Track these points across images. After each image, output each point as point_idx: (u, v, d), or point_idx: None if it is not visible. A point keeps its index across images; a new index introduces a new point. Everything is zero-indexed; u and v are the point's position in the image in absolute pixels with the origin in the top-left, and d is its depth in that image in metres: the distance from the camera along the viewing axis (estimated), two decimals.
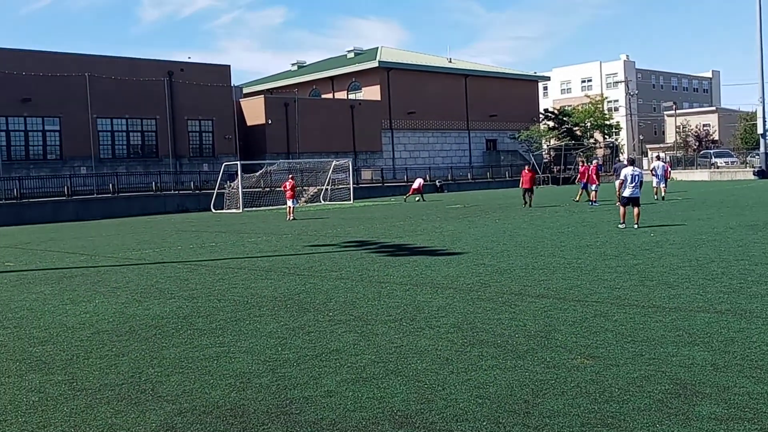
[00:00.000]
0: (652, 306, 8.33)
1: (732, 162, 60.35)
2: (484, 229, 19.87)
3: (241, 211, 37.03)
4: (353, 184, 46.00)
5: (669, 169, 49.96)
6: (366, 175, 55.66)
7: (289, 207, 29.05)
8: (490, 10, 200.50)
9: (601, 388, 5.37)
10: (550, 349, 6.61)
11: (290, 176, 32.10)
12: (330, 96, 64.04)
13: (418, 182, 42.14)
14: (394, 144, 62.38)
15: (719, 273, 10.40)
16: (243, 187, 38.30)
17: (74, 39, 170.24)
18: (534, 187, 29.62)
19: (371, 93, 61.80)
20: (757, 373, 5.59)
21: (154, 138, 47.51)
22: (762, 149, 53.65)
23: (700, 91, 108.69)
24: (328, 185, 45.64)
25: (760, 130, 54.60)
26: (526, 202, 28.95)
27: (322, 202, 44.34)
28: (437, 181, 56.18)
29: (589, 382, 5.55)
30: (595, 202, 28.66)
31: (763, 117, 53.63)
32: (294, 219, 27.89)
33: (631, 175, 17.50)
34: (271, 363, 6.58)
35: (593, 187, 29.09)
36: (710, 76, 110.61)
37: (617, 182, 18.83)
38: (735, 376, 5.54)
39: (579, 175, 30.87)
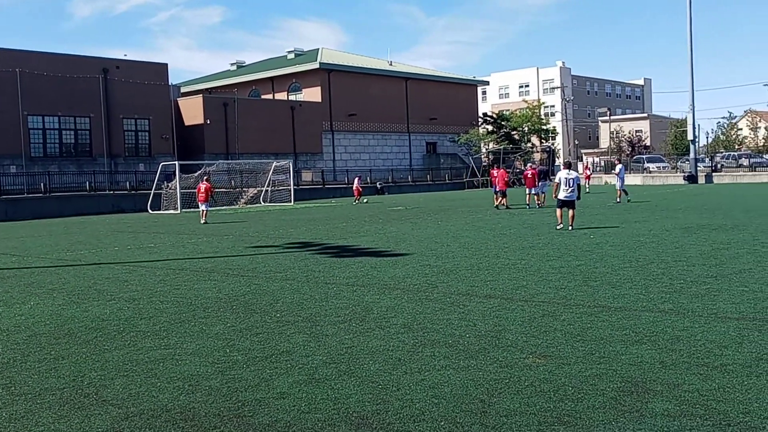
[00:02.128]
0: (597, 306, 8.45)
1: (663, 167, 62.16)
2: (426, 230, 19.94)
3: (179, 211, 36.31)
4: (294, 185, 45.65)
5: (590, 173, 51.30)
6: (306, 176, 55.37)
7: (202, 210, 27.47)
8: (430, 14, 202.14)
9: (555, 387, 5.40)
10: (502, 348, 6.63)
11: (204, 178, 30.56)
12: (270, 97, 63.44)
13: (356, 182, 42.33)
14: (334, 146, 62.20)
15: (659, 274, 10.65)
16: (181, 188, 37.56)
17: (5, 34, 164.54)
18: (507, 188, 29.53)
19: (312, 94, 61.49)
20: (704, 370, 5.71)
21: (88, 136, 46.17)
22: (692, 155, 55.44)
23: (632, 98, 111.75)
24: (268, 186, 45.19)
25: (690, 137, 56.40)
26: (500, 203, 28.92)
27: (262, 203, 43.88)
28: (378, 183, 56.26)
29: (543, 380, 5.57)
30: (534, 205, 29.02)
31: (693, 124, 55.43)
32: (206, 223, 26.41)
33: (565, 178, 17.83)
34: (220, 365, 6.41)
35: (533, 190, 29.39)
36: (642, 83, 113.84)
37: (552, 185, 19.12)
38: (683, 373, 5.64)
39: (524, 180, 30.91)
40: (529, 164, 33.40)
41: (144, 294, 10.59)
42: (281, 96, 63.05)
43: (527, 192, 29.51)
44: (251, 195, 45.62)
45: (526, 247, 14.82)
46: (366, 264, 13.00)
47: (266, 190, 45.03)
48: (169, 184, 39.00)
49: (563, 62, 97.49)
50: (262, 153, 52.85)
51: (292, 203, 42.73)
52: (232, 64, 77.54)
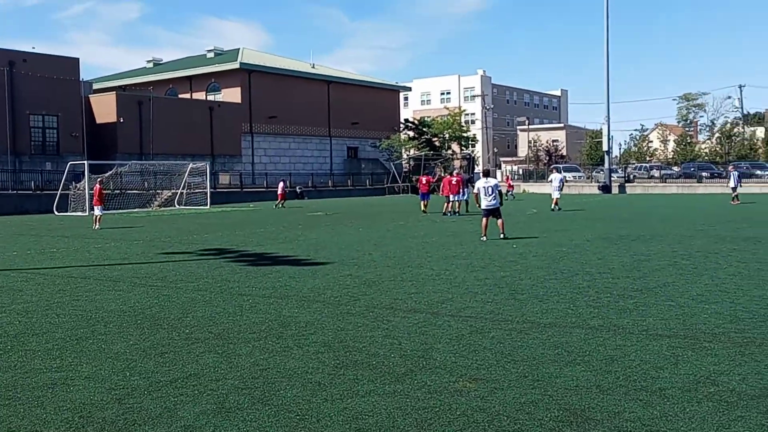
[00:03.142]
0: (526, 322, 8.11)
1: (579, 177, 63.60)
2: (347, 238, 19.43)
3: (87, 214, 34.60)
4: (210, 188, 44.38)
5: (511, 182, 52.07)
6: (224, 179, 54.02)
7: (96, 216, 25.49)
8: (353, 18, 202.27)
9: (489, 417, 4.96)
10: (430, 370, 6.17)
11: (98, 180, 28.39)
12: (188, 96, 61.70)
13: (281, 187, 41.58)
14: (254, 148, 61.02)
15: (585, 286, 10.45)
16: (90, 189, 35.81)
17: None
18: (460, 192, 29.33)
19: (231, 95, 60.13)
20: (643, 395, 5.39)
21: None
22: (606, 165, 56.86)
23: (550, 108, 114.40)
24: (183, 189, 43.76)
25: (605, 148, 57.87)
26: (452, 210, 28.80)
27: (177, 206, 42.42)
28: (298, 188, 55.39)
29: (476, 409, 5.13)
30: (457, 212, 28.96)
31: (608, 135, 56.94)
32: (101, 228, 24.53)
33: (484, 187, 17.49)
34: (118, 392, 5.71)
35: (456, 197, 29.35)
36: (559, 94, 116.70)
37: (473, 194, 18.83)
38: (622, 399, 5.30)
39: (441, 188, 30.90)
40: (455, 172, 33.42)
41: (39, 306, 9.68)
42: (200, 96, 61.43)
43: (452, 199, 29.43)
44: (165, 197, 44.08)
45: (450, 256, 14.49)
46: (284, 273, 12.38)
47: (181, 193, 43.59)
48: (78, 185, 37.21)
49: (484, 71, 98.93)
50: (179, 154, 51.23)
51: (208, 207, 41.49)
52: (148, 62, 75.24)
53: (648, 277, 11.25)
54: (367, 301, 9.58)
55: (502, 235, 17.39)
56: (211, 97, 60.96)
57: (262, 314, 8.81)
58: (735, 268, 11.96)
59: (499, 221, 17.54)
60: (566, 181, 60.95)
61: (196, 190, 44.44)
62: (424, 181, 31.92)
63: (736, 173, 37.06)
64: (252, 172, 59.48)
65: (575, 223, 23.19)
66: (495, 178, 17.78)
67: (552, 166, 70.38)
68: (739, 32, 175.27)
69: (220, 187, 51.41)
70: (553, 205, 31.08)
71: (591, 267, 12.48)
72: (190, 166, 44.10)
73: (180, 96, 61.76)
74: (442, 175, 69.68)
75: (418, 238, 18.65)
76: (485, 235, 17.55)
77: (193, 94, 61.94)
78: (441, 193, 29.92)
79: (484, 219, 17.66)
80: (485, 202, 17.47)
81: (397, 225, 23.94)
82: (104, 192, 26.70)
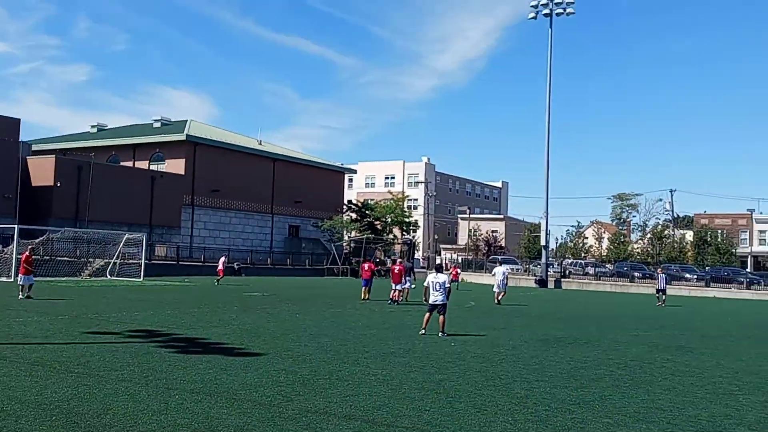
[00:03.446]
0: None
1: (516, 269, 64.42)
2: (284, 324, 18.97)
3: (11, 280, 33.17)
4: (146, 259, 43.28)
5: (459, 271, 52.38)
6: (160, 251, 52.85)
7: (20, 285, 24.51)
8: (303, 97, 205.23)
9: None
10: None
11: (29, 247, 27.30)
12: (130, 164, 60.87)
13: (222, 262, 40.90)
14: (194, 221, 60.18)
15: (523, 396, 10.28)
16: (18, 254, 34.47)
17: None
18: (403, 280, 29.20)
19: (175, 166, 59.59)
20: None
21: None
22: (543, 260, 57.84)
23: (490, 199, 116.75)
24: (117, 259, 42.54)
25: (542, 243, 59.00)
26: (396, 300, 28.55)
27: (109, 276, 41.12)
28: (236, 264, 54.53)
29: None
30: (397, 301, 28.57)
31: (546, 231, 58.17)
32: (29, 298, 23.63)
33: (433, 282, 17.32)
34: None
35: (398, 286, 29.04)
36: (500, 186, 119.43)
37: (424, 286, 18.59)
38: None
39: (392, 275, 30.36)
40: (398, 260, 33.12)
41: None
42: (143, 164, 60.68)
43: (393, 288, 29.13)
44: (97, 267, 42.72)
45: (387, 353, 14.20)
46: (215, 365, 11.87)
47: (114, 263, 42.33)
48: (6, 249, 35.80)
49: (428, 158, 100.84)
50: (116, 222, 50.09)
51: (141, 279, 40.30)
52: (92, 126, 74.35)
53: (585, 387, 11.16)
54: (300, 403, 9.20)
55: (440, 333, 17.19)
56: (154, 167, 60.27)
57: (188, 414, 8.33)
58: (670, 382, 11.99)
59: (441, 318, 17.31)
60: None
61: (130, 261, 43.25)
62: (366, 267, 31.57)
63: (663, 275, 38.00)
64: (190, 245, 58.47)
65: (512, 321, 23.21)
66: (445, 274, 17.57)
67: (491, 257, 71.32)
68: (672, 141, 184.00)
69: (156, 259, 50.23)
70: (496, 299, 31.16)
71: (529, 373, 12.34)
72: (126, 236, 43.03)
73: (122, 164, 60.91)
74: (382, 259, 69.88)
75: (356, 330, 18.31)
76: (425, 328, 17.34)
77: (136, 163, 61.16)
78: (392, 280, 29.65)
79: (428, 313, 17.45)
80: (432, 297, 17.25)
81: (335, 312, 23.56)
82: (32, 259, 25.55)
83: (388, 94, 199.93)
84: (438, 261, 19.74)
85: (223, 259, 41.99)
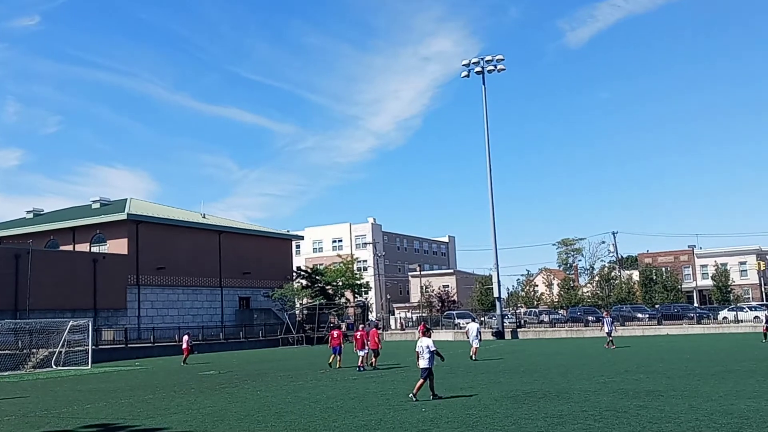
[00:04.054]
0: None
1: (469, 324, 64.18)
2: (246, 404, 18.25)
3: None
4: (93, 345, 41.66)
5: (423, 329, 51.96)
6: (108, 335, 51.10)
7: None
8: (242, 166, 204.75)
9: None
10: None
11: None
12: (70, 248, 59.19)
13: (186, 341, 39.68)
14: (140, 301, 58.50)
15: None
16: None
17: None
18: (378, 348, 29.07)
19: (117, 246, 58.16)
20: None
21: None
22: (498, 311, 57.88)
23: (438, 254, 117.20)
24: (62, 347, 40.81)
25: (495, 294, 59.16)
26: (368, 364, 28.51)
27: (55, 367, 39.36)
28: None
29: None
30: (361, 367, 28.06)
31: (498, 282, 58.37)
32: None
33: (420, 346, 17.10)
34: None
35: (360, 352, 28.58)
36: (447, 240, 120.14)
37: (415, 351, 18.06)
38: None
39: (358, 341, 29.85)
40: (362, 326, 32.53)
41: None
42: (83, 247, 59.07)
43: (359, 354, 28.69)
44: (41, 357, 40.91)
45: (359, 425, 13.70)
46: None
47: (60, 352, 40.60)
48: None
49: (374, 219, 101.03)
50: (58, 309, 48.41)
51: (89, 367, 38.67)
52: (28, 212, 72.45)
53: None
54: None
55: (411, 395, 16.93)
56: (95, 249, 58.73)
57: None
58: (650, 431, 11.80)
59: (421, 381, 16.94)
60: (462, 327, 61.80)
61: (77, 348, 41.55)
62: (335, 335, 30.81)
63: (609, 319, 39.10)
64: (138, 327, 56.73)
65: (477, 378, 22.87)
66: (429, 338, 17.32)
67: (446, 313, 71.05)
68: (613, 183, 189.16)
69: (104, 344, 48.50)
70: (472, 355, 31.36)
71: None
72: (71, 323, 41.42)
73: (62, 248, 59.22)
74: (337, 323, 68.95)
75: (321, 403, 17.72)
76: (415, 394, 17.01)
77: (77, 246, 59.52)
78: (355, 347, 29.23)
79: (421, 380, 17.05)
80: (421, 362, 16.98)
81: (297, 385, 22.86)
82: None
83: (326, 158, 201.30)
84: (427, 327, 19.38)
85: (186, 337, 40.62)
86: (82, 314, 46.69)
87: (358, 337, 29.01)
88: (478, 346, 32.44)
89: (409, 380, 22.68)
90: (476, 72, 61.19)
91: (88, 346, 40.92)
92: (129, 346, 50.14)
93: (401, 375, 25.10)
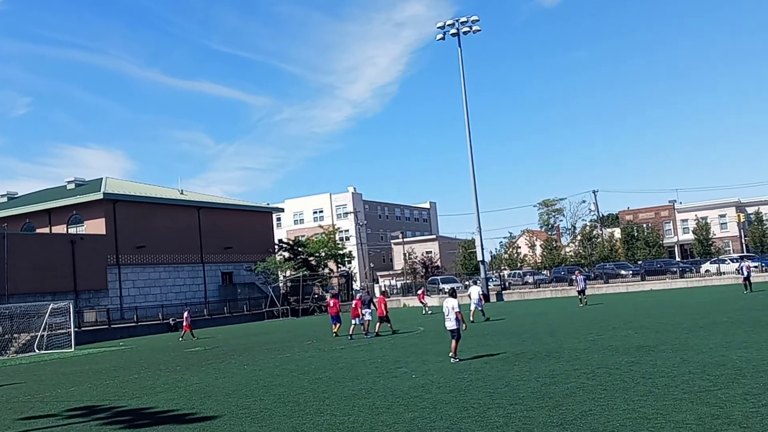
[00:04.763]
0: None
1: (457, 287, 64.26)
2: (233, 379, 17.96)
3: None
4: (75, 327, 41.18)
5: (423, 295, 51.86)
6: (90, 316, 50.56)
7: None
8: (218, 141, 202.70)
9: None
10: None
11: None
12: (47, 230, 58.29)
13: (185, 318, 39.25)
14: (121, 281, 57.88)
15: (503, 423, 9.73)
16: None
17: None
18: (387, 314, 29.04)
19: (95, 226, 57.35)
20: None
21: None
22: (482, 275, 57.91)
23: (420, 221, 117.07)
24: (44, 331, 40.30)
25: (479, 257, 59.10)
26: (385, 330, 28.82)
27: (37, 351, 38.88)
28: (171, 320, 52.68)
29: None
30: (365, 334, 28.16)
31: (481, 246, 58.31)
32: None
33: (445, 307, 17.56)
34: None
35: (356, 320, 28.59)
36: (428, 206, 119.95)
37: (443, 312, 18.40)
38: None
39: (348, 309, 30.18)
40: (358, 294, 32.79)
41: None
42: (60, 229, 58.22)
43: (352, 322, 28.75)
44: (23, 342, 40.39)
45: (349, 395, 13.44)
46: None
47: (41, 336, 40.09)
48: None
49: (354, 188, 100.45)
50: (38, 293, 47.70)
51: (72, 349, 38.25)
52: (2, 196, 71.19)
53: (562, 406, 10.67)
54: None
55: (451, 357, 17.30)
56: (72, 230, 57.89)
57: None
58: (644, 387, 11.63)
59: (453, 342, 17.33)
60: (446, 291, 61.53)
61: (59, 331, 41.07)
62: (332, 304, 30.97)
63: (581, 277, 39.47)
64: (120, 307, 56.21)
65: (466, 342, 22.60)
66: (455, 299, 17.58)
67: (431, 279, 71.10)
68: (592, 142, 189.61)
69: (86, 326, 48.00)
70: (471, 318, 31.50)
71: (500, 397, 11.80)
72: (51, 306, 40.87)
73: (38, 231, 58.30)
74: (322, 294, 68.79)
75: (310, 374, 17.46)
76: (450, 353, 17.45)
77: (53, 228, 58.64)
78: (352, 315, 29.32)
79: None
80: (447, 324, 17.49)
81: (284, 358, 22.60)
82: None
83: (304, 129, 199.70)
84: (451, 287, 19.42)
85: (186, 314, 40.04)
86: (62, 297, 46.06)
87: (353, 306, 29.38)
88: (474, 309, 32.59)
89: (397, 347, 22.54)
90: (452, 34, 60.51)
91: (70, 328, 40.46)
92: (112, 326, 49.67)
93: (389, 343, 24.92)
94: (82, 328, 46.17)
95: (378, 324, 28.78)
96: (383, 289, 55.19)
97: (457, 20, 60.40)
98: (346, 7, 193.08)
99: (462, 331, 17.58)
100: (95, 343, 43.16)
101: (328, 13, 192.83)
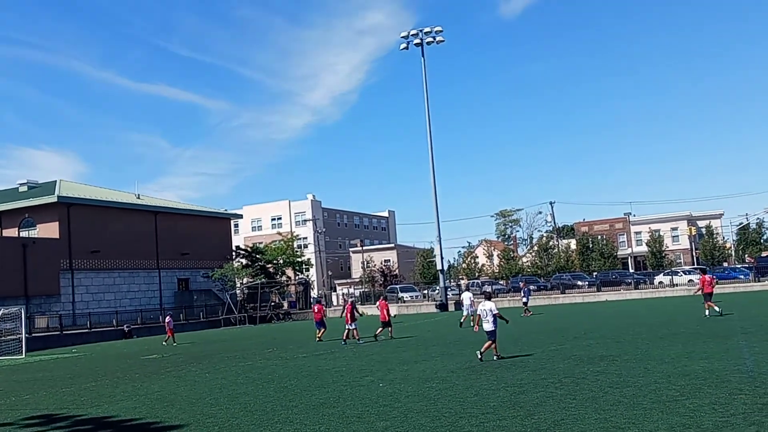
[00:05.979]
0: None
1: (416, 296, 64.42)
2: (196, 387, 17.64)
3: None
4: (26, 334, 40.07)
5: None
6: (41, 322, 49.34)
7: None
8: (175, 145, 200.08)
9: None
10: None
11: None
12: None
13: (168, 322, 38.53)
14: (74, 286, 56.60)
15: None
16: None
17: None
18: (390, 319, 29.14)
19: (48, 230, 56.02)
20: None
21: None
22: (441, 284, 58.10)
23: (379, 229, 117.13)
24: None
25: (438, 267, 59.30)
26: (385, 336, 28.88)
27: None
28: (125, 326, 51.67)
29: None
30: (345, 341, 27.89)
31: (441, 255, 58.51)
32: None
33: (482, 310, 18.23)
34: None
35: (352, 325, 28.19)
36: (387, 215, 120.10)
37: (477, 314, 19.00)
38: None
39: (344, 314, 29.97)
40: (350, 301, 32.85)
41: None
42: (11, 233, 56.74)
43: (349, 327, 28.53)
44: None
45: (317, 404, 13.30)
46: None
47: None
48: None
49: (314, 195, 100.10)
50: None
51: (23, 356, 37.22)
52: None
53: (534, 415, 10.70)
54: None
55: (495, 357, 18.07)
56: (24, 234, 56.44)
57: None
58: (612, 396, 11.73)
59: (489, 343, 18.02)
60: (405, 301, 61.92)
61: (9, 337, 39.93)
62: (316, 310, 30.71)
63: (526, 289, 41.15)
64: (73, 312, 54.95)
65: (430, 351, 22.71)
66: (491, 301, 18.59)
67: (389, 288, 71.07)
68: (549, 155, 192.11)
69: (38, 332, 46.80)
70: (461, 323, 32.34)
71: (471, 406, 11.79)
72: (1, 311, 39.72)
73: None
74: (279, 302, 68.28)
75: (275, 382, 17.25)
76: (496, 353, 18.27)
77: (4, 231, 57.13)
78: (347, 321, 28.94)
79: (488, 341, 18.11)
80: (485, 326, 18.13)
81: (246, 366, 22.30)
82: None
83: (262, 134, 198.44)
84: (487, 291, 19.44)
85: (168, 318, 39.40)
86: (12, 302, 44.87)
87: (315, 311, 29.62)
88: (466, 314, 33.05)
89: (361, 356, 22.43)
90: (415, 44, 60.77)
91: (21, 334, 39.37)
92: (64, 333, 48.53)
93: (352, 351, 24.79)
94: (33, 334, 44.99)
95: (379, 329, 28.78)
96: (347, 298, 54.92)
97: (421, 30, 60.73)
98: (307, 14, 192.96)
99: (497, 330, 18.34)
100: (47, 349, 42.09)
101: (289, 18, 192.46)
